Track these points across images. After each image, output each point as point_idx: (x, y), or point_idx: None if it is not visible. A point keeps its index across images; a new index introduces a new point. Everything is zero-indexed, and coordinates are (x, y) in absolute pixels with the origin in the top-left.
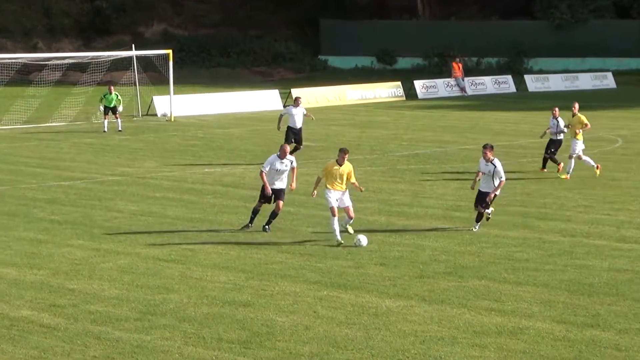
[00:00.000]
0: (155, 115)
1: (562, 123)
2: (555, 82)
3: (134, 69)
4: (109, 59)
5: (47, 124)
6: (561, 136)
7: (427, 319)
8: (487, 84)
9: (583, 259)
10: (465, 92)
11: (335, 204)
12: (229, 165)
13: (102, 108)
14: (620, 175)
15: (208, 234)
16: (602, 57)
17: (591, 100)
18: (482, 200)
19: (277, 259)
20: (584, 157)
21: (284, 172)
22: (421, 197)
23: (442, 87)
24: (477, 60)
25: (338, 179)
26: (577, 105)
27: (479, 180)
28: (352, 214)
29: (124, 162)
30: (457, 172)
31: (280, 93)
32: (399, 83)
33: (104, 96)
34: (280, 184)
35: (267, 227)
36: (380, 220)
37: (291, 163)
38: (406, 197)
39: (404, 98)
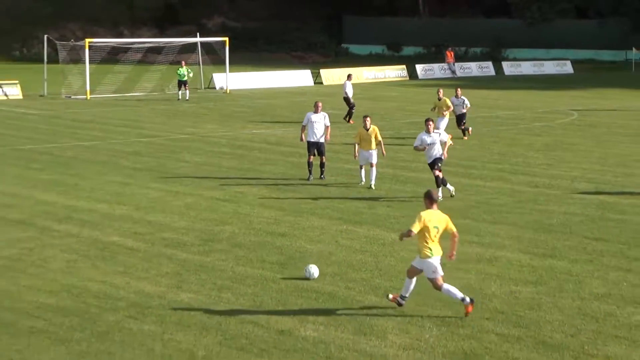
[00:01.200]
0: (214, 88)
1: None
2: (526, 68)
3: (198, 52)
4: (179, 44)
5: (131, 94)
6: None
7: None
8: (473, 68)
9: (545, 205)
10: (455, 74)
11: (363, 163)
12: (272, 128)
13: (177, 82)
14: (575, 140)
15: (255, 180)
16: (563, 49)
17: (554, 82)
18: (436, 163)
19: (308, 200)
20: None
21: (319, 125)
22: (420, 155)
23: (437, 70)
24: (465, 49)
25: (367, 140)
26: (441, 91)
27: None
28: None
29: (190, 124)
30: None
31: (311, 72)
32: (404, 66)
33: (178, 71)
34: (319, 137)
35: (322, 176)
36: (388, 172)
37: (324, 118)
38: (408, 155)
39: (408, 78)
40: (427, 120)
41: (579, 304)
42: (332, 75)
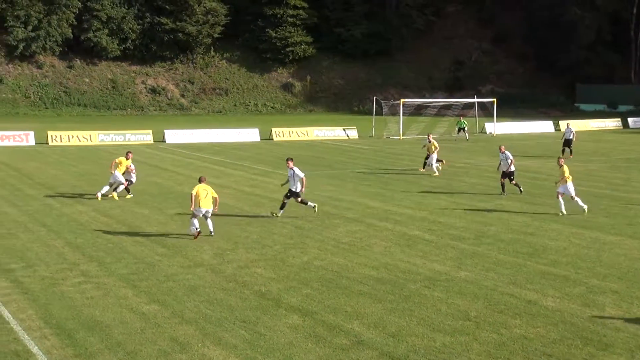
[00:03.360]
0: (485, 133)
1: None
2: None
3: (475, 108)
4: (462, 102)
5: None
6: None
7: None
8: None
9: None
10: None
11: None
12: (524, 160)
13: (457, 128)
14: None
15: (514, 195)
16: None
17: None
18: (296, 195)
19: (549, 211)
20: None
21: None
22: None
23: None
24: None
25: (561, 176)
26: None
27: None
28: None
29: (468, 157)
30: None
31: (552, 122)
32: (619, 119)
33: (458, 122)
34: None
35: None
36: (603, 192)
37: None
38: (622, 181)
39: (622, 127)
40: (287, 159)
41: None
42: (569, 122)
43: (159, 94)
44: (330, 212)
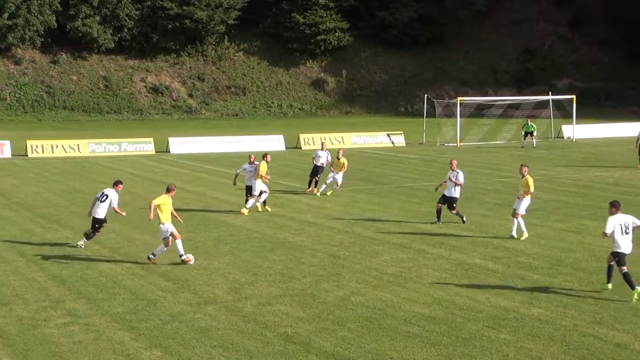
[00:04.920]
0: (563, 137)
1: None
2: None
3: (549, 108)
4: (534, 101)
5: (493, 142)
6: None
7: None
8: None
9: None
10: None
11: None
12: (610, 171)
13: (523, 133)
14: None
15: (594, 215)
16: None
17: None
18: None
19: None
20: None
21: None
22: None
23: None
24: None
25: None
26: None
27: None
28: None
29: (541, 167)
30: None
31: None
32: None
33: (524, 125)
34: None
35: None
36: None
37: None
38: None
39: None
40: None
41: None
42: None
43: (162, 94)
44: (372, 237)
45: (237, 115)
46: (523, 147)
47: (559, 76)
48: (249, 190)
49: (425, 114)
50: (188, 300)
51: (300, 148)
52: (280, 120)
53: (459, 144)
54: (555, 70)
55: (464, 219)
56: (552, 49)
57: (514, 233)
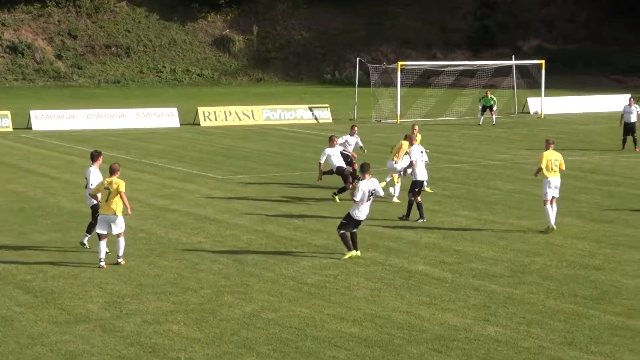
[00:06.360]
0: (528, 113)
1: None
2: None
3: (512, 76)
4: (493, 67)
5: (442, 118)
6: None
7: None
8: None
9: None
10: None
11: (550, 195)
12: (587, 155)
13: (480, 107)
14: None
15: (568, 209)
16: None
17: None
18: None
19: (625, 232)
20: None
21: None
22: None
23: None
24: None
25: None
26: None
27: None
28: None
29: (502, 150)
30: None
31: (632, 96)
32: None
33: (482, 98)
34: None
35: None
36: None
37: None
38: None
39: None
40: None
41: None
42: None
43: (22, 54)
44: (288, 237)
45: (118, 82)
46: (480, 124)
47: (524, 36)
48: (340, 172)
49: (357, 83)
50: (53, 318)
51: (199, 124)
52: (174, 90)
53: (399, 120)
54: (520, 28)
55: (423, 217)
56: (516, 2)
57: (552, 223)
